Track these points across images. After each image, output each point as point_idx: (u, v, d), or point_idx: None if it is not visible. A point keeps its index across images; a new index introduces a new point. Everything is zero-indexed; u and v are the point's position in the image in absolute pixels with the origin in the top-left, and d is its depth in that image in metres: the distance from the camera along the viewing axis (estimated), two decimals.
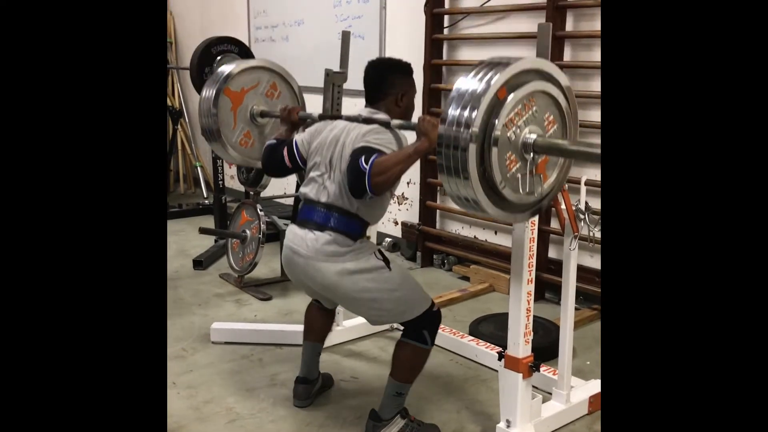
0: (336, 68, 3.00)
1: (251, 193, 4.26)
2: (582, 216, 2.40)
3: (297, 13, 5.41)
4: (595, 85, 3.49)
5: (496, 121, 1.75)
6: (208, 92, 2.92)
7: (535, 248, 2.21)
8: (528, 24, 3.70)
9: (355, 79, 3.40)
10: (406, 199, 4.61)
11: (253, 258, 3.91)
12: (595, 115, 3.51)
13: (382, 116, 2.28)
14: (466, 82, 1.79)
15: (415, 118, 2.22)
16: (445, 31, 4.19)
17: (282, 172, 2.54)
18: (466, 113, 1.73)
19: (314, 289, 2.36)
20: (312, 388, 2.63)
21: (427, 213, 4.42)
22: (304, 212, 2.32)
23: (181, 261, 4.43)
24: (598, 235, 2.50)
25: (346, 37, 3.03)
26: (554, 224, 3.67)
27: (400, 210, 4.67)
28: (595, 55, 3.49)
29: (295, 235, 2.29)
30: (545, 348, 2.80)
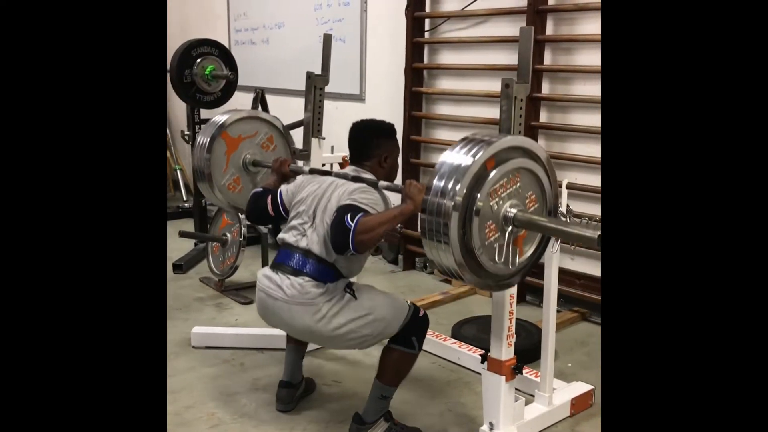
0: (317, 71, 3.00)
1: None
2: (564, 219, 2.41)
3: (278, 15, 5.40)
4: (575, 89, 3.53)
5: (480, 191, 1.82)
6: (204, 138, 2.97)
7: None
8: (509, 28, 3.72)
9: (337, 82, 3.40)
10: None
11: (233, 261, 3.88)
12: (575, 119, 3.54)
13: (369, 176, 2.34)
14: (452, 156, 1.86)
15: (399, 178, 2.28)
16: (426, 34, 4.20)
17: (264, 220, 2.62)
18: (450, 183, 1.80)
19: (291, 331, 2.40)
20: (295, 392, 2.62)
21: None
22: (281, 256, 2.34)
23: None
24: None
25: (327, 40, 3.02)
26: None
27: None
28: (575, 59, 3.52)
29: (270, 279, 2.31)
30: (527, 350, 2.81)
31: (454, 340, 3.12)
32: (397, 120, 4.20)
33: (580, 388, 2.65)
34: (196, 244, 4.63)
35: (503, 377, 2.22)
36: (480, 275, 1.93)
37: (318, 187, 2.36)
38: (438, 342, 3.09)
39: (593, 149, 3.43)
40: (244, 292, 3.90)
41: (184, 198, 6.19)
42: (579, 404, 2.59)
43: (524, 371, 2.56)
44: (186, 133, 4.77)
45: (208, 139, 2.95)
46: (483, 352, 2.32)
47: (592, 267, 3.53)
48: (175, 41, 4.78)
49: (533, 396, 2.54)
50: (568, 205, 2.42)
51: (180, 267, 4.28)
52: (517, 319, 2.30)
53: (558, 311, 2.83)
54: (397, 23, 4.23)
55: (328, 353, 3.10)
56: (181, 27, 6.25)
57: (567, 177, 2.87)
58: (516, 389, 2.32)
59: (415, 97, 4.24)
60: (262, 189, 2.57)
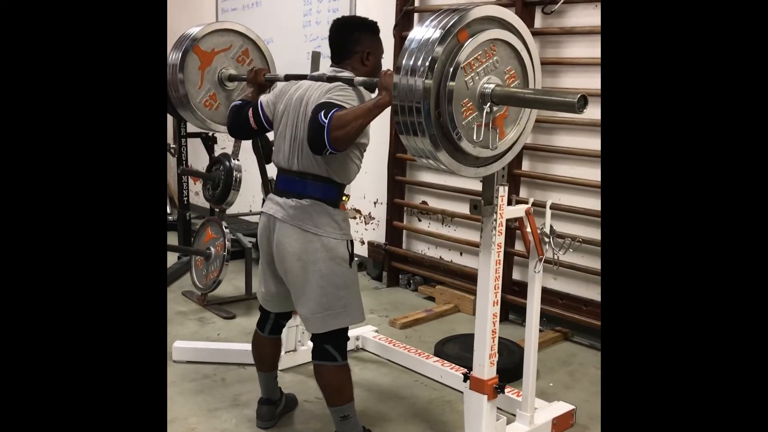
0: None
1: (216, 210, 4.22)
2: (547, 239, 2.44)
3: (266, 31, 5.39)
4: (563, 82, 3.53)
5: (452, 65, 1.71)
6: (175, 55, 2.82)
7: (501, 270, 2.23)
8: None
9: None
10: (373, 218, 4.62)
11: (217, 276, 3.86)
12: (560, 140, 3.58)
13: (347, 74, 2.25)
14: (421, 31, 1.74)
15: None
16: None
17: (247, 133, 2.54)
18: (420, 60, 1.69)
19: (277, 261, 2.30)
20: (276, 409, 2.61)
21: (393, 233, 4.44)
22: (279, 182, 2.31)
23: None
24: (562, 258, 2.54)
25: (315, 57, 3.04)
26: (518, 246, 3.71)
27: (367, 230, 4.67)
28: (564, 52, 3.53)
29: (274, 202, 2.28)
30: (509, 369, 2.82)
31: (437, 358, 3.12)
32: (383, 137, 4.23)
33: (562, 407, 2.66)
34: (179, 258, 4.61)
35: (485, 396, 2.23)
36: (457, 158, 1.82)
37: (296, 97, 2.28)
38: (421, 360, 3.09)
39: (577, 171, 3.47)
40: (226, 307, 3.88)
41: (168, 211, 6.15)
42: (560, 424, 2.59)
43: (506, 390, 2.57)
44: (172, 146, 4.76)
45: (180, 54, 2.78)
46: (465, 371, 2.32)
47: (574, 287, 3.56)
48: None
49: (515, 415, 2.54)
50: (551, 226, 2.45)
51: None
52: (499, 337, 2.31)
53: (540, 330, 2.84)
54: (385, 42, 4.21)
55: (309, 370, 3.07)
56: (170, 41, 6.25)
57: (551, 198, 2.90)
58: (498, 408, 2.32)
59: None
60: (240, 101, 2.46)
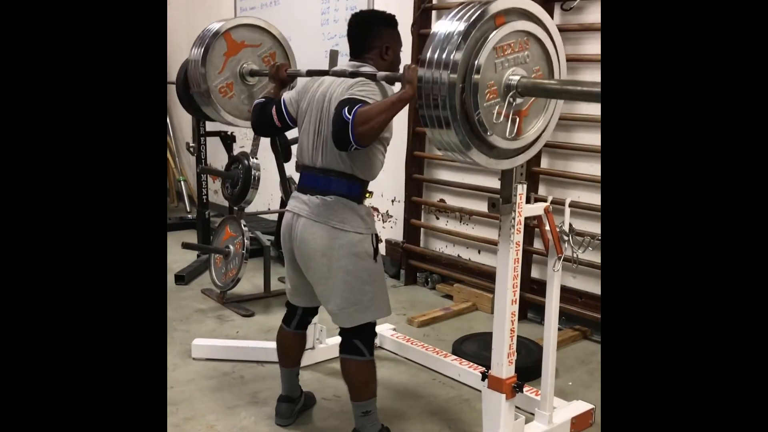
0: None
1: (235, 208, 4.24)
2: (566, 237, 2.42)
3: (284, 30, 5.36)
4: (580, 108, 3.50)
5: (482, 50, 1.70)
6: (198, 49, 2.83)
7: (519, 269, 2.22)
8: None
9: None
10: (391, 216, 4.62)
11: (236, 274, 3.88)
12: (579, 137, 3.54)
13: (368, 69, 2.25)
14: (447, 23, 1.74)
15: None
16: None
17: (272, 131, 2.56)
18: (447, 49, 1.69)
19: (299, 258, 2.31)
20: (295, 407, 2.62)
21: (411, 231, 4.43)
22: (304, 179, 2.31)
23: None
24: (581, 256, 2.52)
25: (333, 55, 3.03)
26: (537, 244, 3.69)
27: (385, 228, 4.67)
28: (583, 48, 3.49)
29: (298, 200, 2.28)
30: (528, 368, 2.80)
31: (455, 357, 3.11)
32: (401, 136, 4.23)
33: (581, 407, 2.64)
34: (198, 256, 4.64)
35: (503, 395, 2.22)
36: (483, 151, 1.82)
37: (318, 93, 2.28)
38: (438, 358, 3.09)
39: (596, 168, 3.44)
40: (245, 305, 3.90)
41: (188, 209, 6.20)
42: (579, 423, 2.58)
43: (525, 389, 2.56)
44: (191, 144, 4.79)
45: (205, 45, 2.80)
46: (483, 369, 2.31)
47: (593, 285, 3.53)
48: (182, 54, 4.81)
49: (533, 414, 2.53)
50: (570, 224, 2.43)
51: (182, 278, 4.29)
52: (518, 336, 2.30)
53: (559, 329, 2.82)
54: (403, 40, 4.24)
55: (328, 367, 3.09)
56: (189, 40, 6.29)
57: (570, 196, 2.88)
58: (516, 407, 2.31)
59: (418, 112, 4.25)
60: (264, 99, 2.46)
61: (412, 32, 4.18)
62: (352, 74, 2.22)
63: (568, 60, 3.49)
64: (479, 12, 1.71)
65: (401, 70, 2.13)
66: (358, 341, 2.29)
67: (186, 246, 4.06)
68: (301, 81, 2.48)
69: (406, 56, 4.24)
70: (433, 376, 3.04)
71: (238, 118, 2.99)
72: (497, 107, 1.79)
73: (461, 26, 1.72)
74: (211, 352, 3.18)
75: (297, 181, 2.37)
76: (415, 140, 4.29)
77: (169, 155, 6.56)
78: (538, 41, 1.83)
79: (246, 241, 3.87)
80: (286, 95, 2.42)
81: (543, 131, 1.99)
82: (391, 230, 4.63)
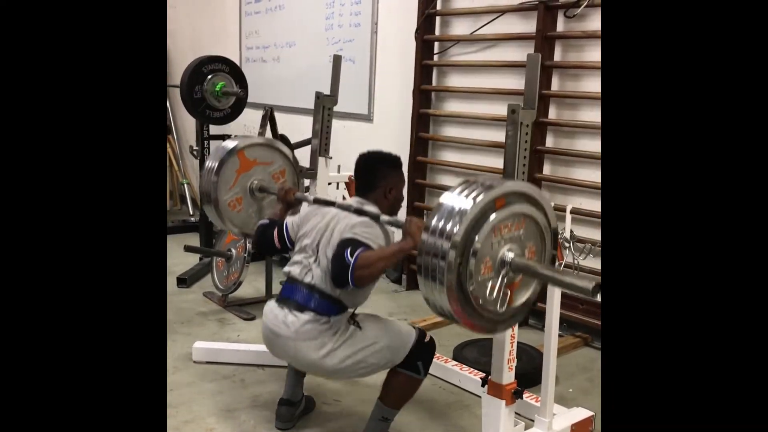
0: (326, 91, 3.03)
1: None
2: (567, 244, 2.42)
3: (289, 34, 5.46)
4: (582, 115, 3.54)
5: (480, 231, 1.76)
6: (213, 163, 2.95)
7: None
8: (517, 53, 3.75)
9: (345, 102, 3.43)
10: None
11: (237, 277, 3.89)
12: (581, 144, 3.55)
13: (372, 209, 2.33)
14: (452, 198, 1.80)
15: (402, 211, 2.25)
16: (435, 57, 4.23)
17: (271, 251, 2.74)
18: (449, 225, 1.74)
19: (298, 365, 2.43)
20: (295, 410, 2.62)
21: None
22: (286, 290, 2.36)
23: None
24: (582, 263, 2.52)
25: (337, 60, 3.06)
26: None
27: None
28: (583, 86, 3.54)
29: (274, 316, 2.32)
30: (528, 374, 2.80)
31: (456, 362, 3.11)
32: (404, 141, 4.24)
33: (581, 414, 2.64)
34: (200, 259, 4.65)
35: (503, 401, 2.22)
36: (473, 317, 1.85)
37: (321, 221, 2.36)
38: (439, 364, 3.09)
39: (598, 175, 3.44)
40: (246, 308, 3.90)
41: (191, 212, 6.21)
42: (579, 430, 2.57)
43: (524, 395, 2.56)
44: (195, 148, 4.81)
45: (224, 153, 2.92)
46: (484, 375, 2.32)
47: None
48: (186, 58, 4.84)
49: (533, 421, 2.53)
50: (572, 231, 2.43)
51: (184, 281, 4.30)
52: (518, 342, 2.30)
53: (560, 336, 2.82)
54: (407, 45, 4.27)
55: None
56: (193, 44, 6.32)
57: (571, 202, 2.88)
58: (516, 413, 2.31)
59: (422, 118, 4.27)
60: (268, 220, 2.59)
61: (416, 38, 4.19)
62: (357, 211, 2.31)
63: (571, 67, 3.57)
64: (482, 195, 1.77)
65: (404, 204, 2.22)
66: (421, 363, 2.34)
67: (188, 249, 4.07)
68: (305, 207, 2.59)
69: (409, 61, 4.27)
70: (434, 382, 3.04)
71: (243, 230, 3.08)
72: (491, 282, 1.83)
73: (466, 204, 1.76)
74: (212, 355, 3.18)
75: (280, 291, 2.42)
76: (418, 146, 4.30)
77: (172, 158, 6.57)
78: (533, 220, 1.89)
79: (248, 244, 3.87)
80: (289, 219, 2.52)
81: (529, 301, 2.00)
82: (393, 234, 4.63)
